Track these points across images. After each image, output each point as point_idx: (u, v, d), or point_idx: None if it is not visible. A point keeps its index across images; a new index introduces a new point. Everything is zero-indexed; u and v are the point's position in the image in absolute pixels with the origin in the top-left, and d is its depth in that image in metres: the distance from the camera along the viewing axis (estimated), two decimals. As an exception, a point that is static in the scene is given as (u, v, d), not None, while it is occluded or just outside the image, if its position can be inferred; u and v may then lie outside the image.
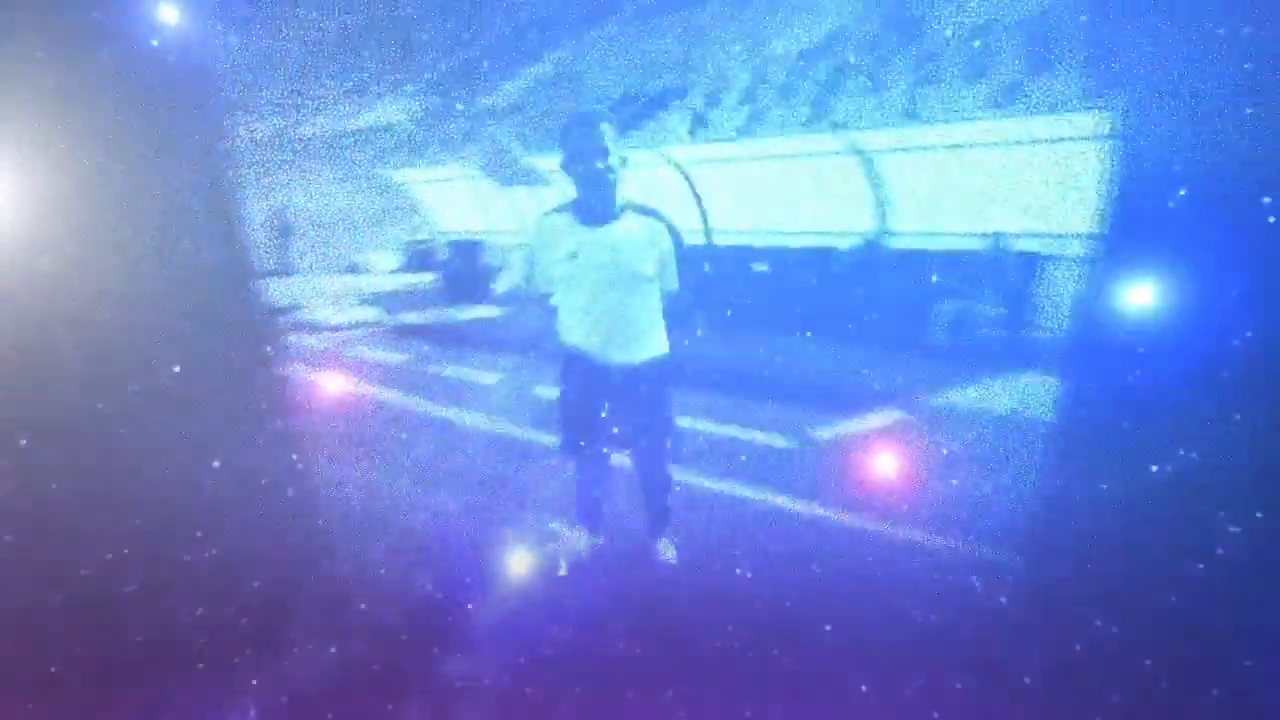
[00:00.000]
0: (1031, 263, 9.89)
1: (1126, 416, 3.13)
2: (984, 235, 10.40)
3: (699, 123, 18.97)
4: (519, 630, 3.83)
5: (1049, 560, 3.52)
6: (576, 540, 4.45)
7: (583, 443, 4.18)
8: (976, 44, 17.32)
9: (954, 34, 18.37)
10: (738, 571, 4.47)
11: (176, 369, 2.96)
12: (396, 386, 9.46)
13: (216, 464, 3.10)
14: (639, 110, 21.68)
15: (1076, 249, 9.28)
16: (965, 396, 8.15)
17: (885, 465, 6.42)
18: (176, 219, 2.97)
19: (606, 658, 3.64)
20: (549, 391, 5.34)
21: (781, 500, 5.60)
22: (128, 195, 2.82)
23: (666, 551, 4.45)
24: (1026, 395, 7.93)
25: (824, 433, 7.11)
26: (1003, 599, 3.95)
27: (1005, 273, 9.87)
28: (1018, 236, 10.23)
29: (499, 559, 4.60)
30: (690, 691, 3.40)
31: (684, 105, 21.08)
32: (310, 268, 19.10)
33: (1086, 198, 9.62)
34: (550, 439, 4.90)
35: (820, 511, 5.37)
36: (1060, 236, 9.81)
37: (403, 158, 23.57)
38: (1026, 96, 14.03)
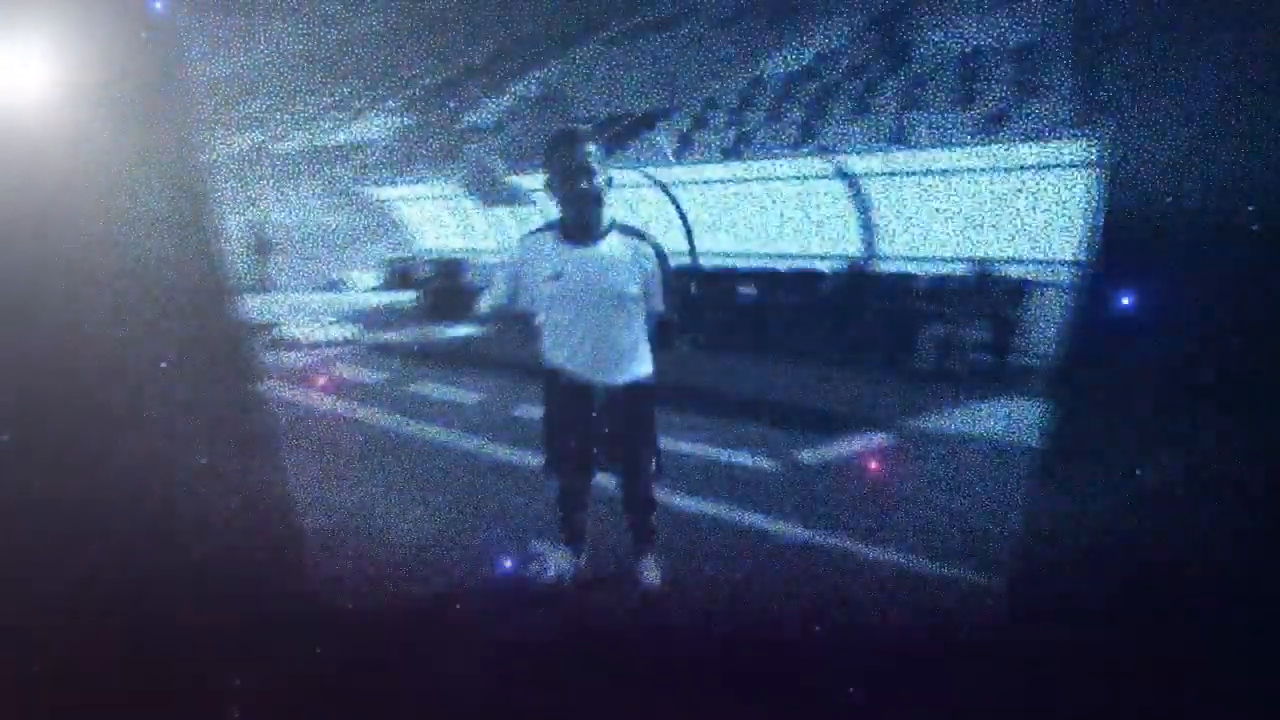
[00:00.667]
0: (1019, 288, 9.99)
1: (1114, 440, 3.05)
2: (971, 261, 10.51)
3: (685, 144, 19.03)
4: (499, 653, 3.78)
5: (1037, 583, 3.40)
6: (559, 561, 4.34)
7: (566, 462, 4.11)
8: (963, 70, 17.47)
9: (941, 60, 18.53)
10: (721, 593, 4.44)
11: (146, 385, 2.87)
12: (376, 405, 9.34)
13: (185, 483, 2.99)
14: (625, 130, 21.73)
15: (1064, 275, 9.39)
16: (952, 421, 8.22)
17: (871, 488, 6.46)
18: (148, 230, 2.87)
19: (589, 681, 3.58)
20: (531, 411, 5.24)
21: (766, 523, 5.57)
22: (98, 203, 2.74)
23: (650, 573, 4.33)
24: (1013, 420, 8.01)
25: (809, 455, 7.16)
26: (994, 624, 3.89)
27: (992, 299, 9.97)
28: (1005, 262, 10.35)
29: (479, 580, 4.50)
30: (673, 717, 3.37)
31: (670, 126, 21.14)
32: (289, 284, 18.86)
33: (1073, 224, 9.75)
34: (533, 459, 4.80)
35: (804, 534, 5.36)
36: (1047, 263, 9.92)
37: (384, 174, 23.44)
38: (1013, 123, 14.18)
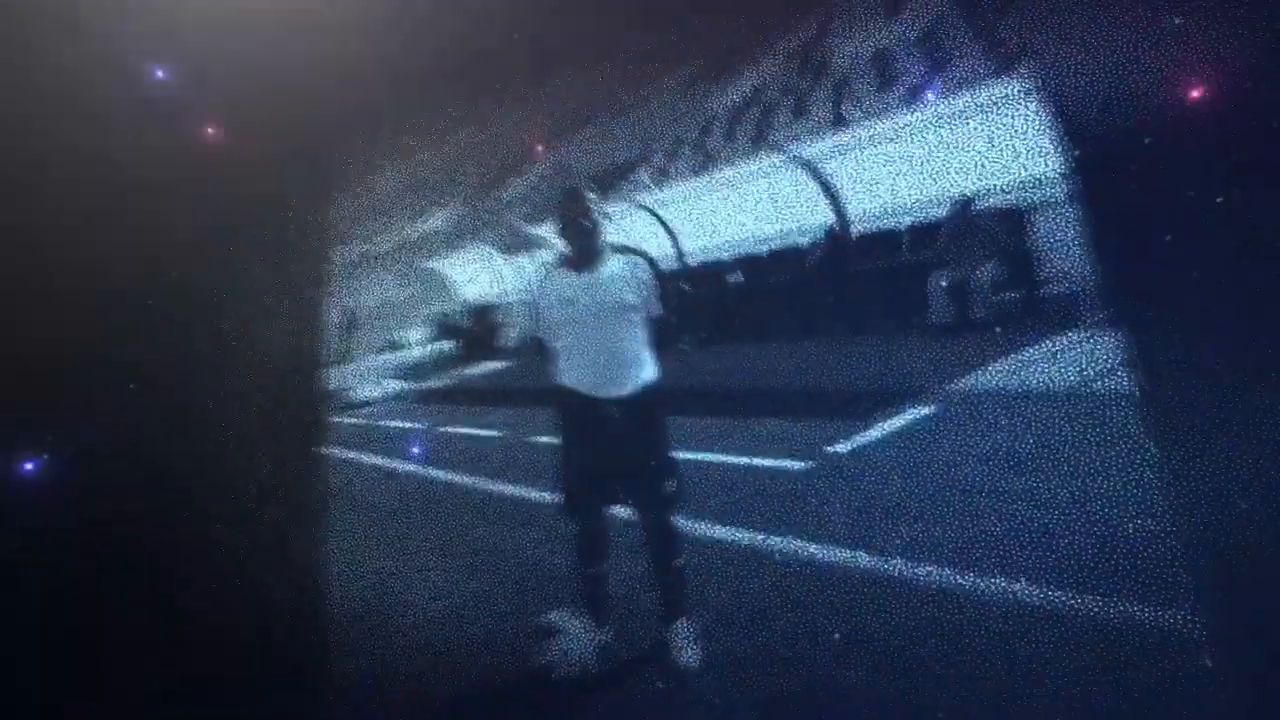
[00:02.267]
0: (1014, 216, 6.92)
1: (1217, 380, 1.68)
2: (955, 202, 7.34)
3: (662, 174, 16.81)
4: None
5: (1161, 603, 2.00)
6: (580, 635, 2.85)
7: (583, 493, 3.00)
8: (878, 65, 14.85)
9: (857, 64, 15.95)
10: (775, 662, 2.56)
11: (228, 451, 2.38)
12: (410, 456, 7.15)
13: (246, 540, 2.39)
14: (614, 176, 19.66)
15: (1051, 191, 6.35)
16: (997, 375, 5.21)
17: (922, 477, 3.67)
18: (271, 318, 2.51)
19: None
20: (546, 439, 3.77)
21: (814, 550, 3.25)
22: (244, 294, 2.45)
23: (686, 645, 2.84)
24: (1068, 362, 5.00)
25: (842, 446, 4.32)
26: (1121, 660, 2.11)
27: (990, 232, 6.84)
28: (988, 195, 7.29)
29: (485, 679, 2.89)
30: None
31: (649, 166, 18.98)
32: (361, 353, 16.68)
33: (1037, 144, 6.80)
34: (545, 495, 3.55)
35: (866, 560, 3.06)
36: (1031, 184, 6.88)
37: (440, 250, 21.69)
38: (936, 90, 11.51)
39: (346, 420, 10.11)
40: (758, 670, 2.50)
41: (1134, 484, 2.89)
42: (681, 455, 2.94)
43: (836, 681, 2.32)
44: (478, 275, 15.83)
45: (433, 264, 17.85)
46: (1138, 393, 1.86)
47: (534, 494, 4.73)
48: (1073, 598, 2.46)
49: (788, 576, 3.06)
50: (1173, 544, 2.05)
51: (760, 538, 3.43)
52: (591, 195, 3.12)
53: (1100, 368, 4.59)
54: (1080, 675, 2.12)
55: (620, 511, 2.95)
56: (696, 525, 3.53)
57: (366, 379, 11.83)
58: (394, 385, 10.93)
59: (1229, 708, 1.79)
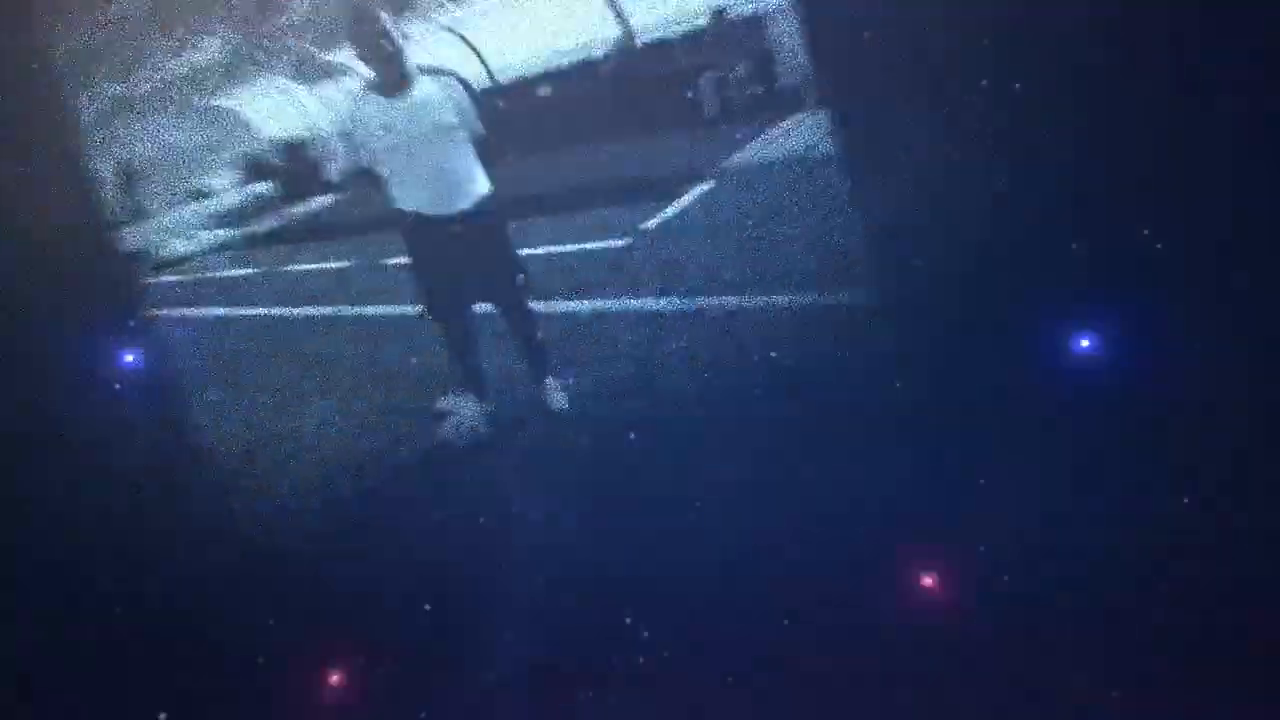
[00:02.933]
0: (755, 22, 7.94)
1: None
2: (712, 12, 8.30)
3: None
4: (431, 524, 2.80)
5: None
6: (467, 411, 3.31)
7: (441, 301, 3.27)
8: None
9: None
10: (625, 391, 3.33)
11: (34, 335, 2.25)
12: (255, 298, 7.10)
13: (82, 416, 2.35)
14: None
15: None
16: (760, 152, 6.26)
17: (714, 236, 4.75)
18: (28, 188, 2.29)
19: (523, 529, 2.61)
20: (399, 260, 3.80)
21: (647, 303, 4.13)
22: None
23: (555, 395, 3.41)
24: (808, 136, 6.13)
25: (650, 223, 5.28)
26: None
27: (739, 36, 7.94)
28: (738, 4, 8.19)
29: (394, 459, 3.39)
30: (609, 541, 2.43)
31: None
32: (159, 207, 14.93)
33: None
34: (413, 309, 3.49)
35: (681, 304, 3.99)
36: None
37: (225, 88, 19.28)
38: None
39: (167, 279, 9.67)
40: (614, 401, 3.22)
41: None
42: (525, 251, 3.40)
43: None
44: (280, 110, 14.60)
45: (221, 102, 16.12)
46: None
47: (401, 309, 5.16)
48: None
49: (624, 327, 3.92)
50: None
51: (599, 304, 4.30)
52: (384, 14, 3.06)
53: (819, 139, 5.74)
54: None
55: (482, 308, 3.29)
56: (550, 306, 4.21)
57: (175, 233, 11.14)
58: (211, 235, 10.43)
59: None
